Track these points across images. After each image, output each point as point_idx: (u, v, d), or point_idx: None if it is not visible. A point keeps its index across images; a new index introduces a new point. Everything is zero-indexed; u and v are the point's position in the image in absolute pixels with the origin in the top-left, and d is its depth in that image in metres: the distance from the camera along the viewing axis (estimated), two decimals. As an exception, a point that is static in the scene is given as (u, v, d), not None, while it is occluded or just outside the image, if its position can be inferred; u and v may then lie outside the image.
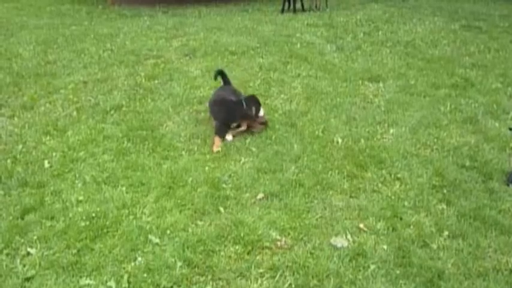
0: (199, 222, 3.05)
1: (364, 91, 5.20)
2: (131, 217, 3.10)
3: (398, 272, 2.63)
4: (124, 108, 4.74)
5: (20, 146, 4.00)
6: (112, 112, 4.66)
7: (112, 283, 2.56)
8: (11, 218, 3.09)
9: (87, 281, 2.59)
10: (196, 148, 3.95)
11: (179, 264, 2.68)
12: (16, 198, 3.30)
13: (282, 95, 5.01)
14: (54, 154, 3.87)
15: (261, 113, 4.26)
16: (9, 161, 3.77)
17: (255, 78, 5.46)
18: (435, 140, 4.11)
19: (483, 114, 4.64)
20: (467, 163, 3.74)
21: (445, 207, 3.21)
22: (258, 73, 5.66)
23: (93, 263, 2.70)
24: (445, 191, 3.38)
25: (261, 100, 4.40)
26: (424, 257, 2.73)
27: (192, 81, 5.44)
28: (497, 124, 4.44)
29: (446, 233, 2.95)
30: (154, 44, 6.95)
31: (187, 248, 2.80)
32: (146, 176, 3.54)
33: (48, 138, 4.16)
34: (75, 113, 4.66)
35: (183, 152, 3.88)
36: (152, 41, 7.16)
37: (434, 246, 2.83)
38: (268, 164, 3.69)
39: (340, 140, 4.08)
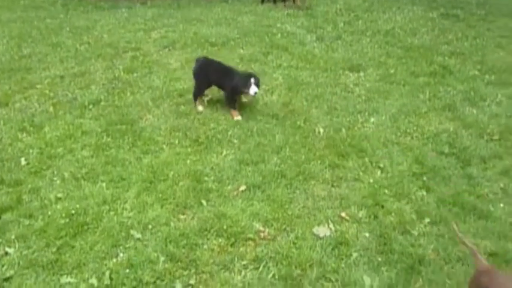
0: (181, 216, 3.02)
1: (345, 81, 5.21)
2: (112, 213, 3.05)
3: (380, 259, 2.66)
4: (102, 103, 4.64)
5: (-5, 144, 3.89)
6: (90, 107, 4.56)
7: (94, 280, 2.53)
8: (-13, 217, 3.01)
9: (68, 279, 2.55)
10: (177, 141, 3.91)
11: (162, 258, 2.66)
12: (-8, 197, 3.22)
13: (264, 86, 4.98)
14: (31, 151, 3.78)
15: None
16: (-17, 159, 3.67)
17: (236, 69, 5.41)
18: (415, 127, 4.16)
19: (461, 101, 4.71)
20: (446, 150, 3.80)
21: (425, 194, 3.26)
22: (238, 64, 5.60)
23: (74, 261, 2.66)
24: (425, 178, 3.43)
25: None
26: (405, 244, 2.77)
27: (171, 73, 5.37)
28: (475, 111, 4.51)
29: (427, 219, 3.00)
30: (133, 37, 6.82)
31: (170, 242, 2.78)
32: (126, 171, 3.49)
33: (24, 134, 4.05)
34: (51, 108, 4.55)
35: (164, 146, 3.84)
36: (130, 33, 7.02)
37: (415, 232, 2.88)
38: (250, 156, 3.68)
39: (321, 130, 4.09)
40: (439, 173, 3.48)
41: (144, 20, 7.70)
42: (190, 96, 4.73)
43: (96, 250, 2.74)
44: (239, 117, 4.26)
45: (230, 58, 5.78)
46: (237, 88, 4.25)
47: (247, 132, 4.05)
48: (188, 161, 3.61)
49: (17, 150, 3.79)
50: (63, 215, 3.02)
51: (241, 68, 5.46)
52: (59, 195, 3.23)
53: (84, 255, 2.70)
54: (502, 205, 3.13)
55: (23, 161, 3.63)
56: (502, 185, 3.35)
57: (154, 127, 4.14)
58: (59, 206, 3.11)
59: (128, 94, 4.84)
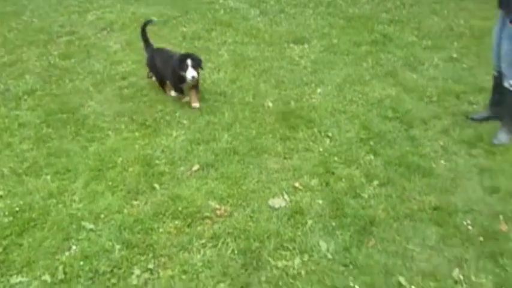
0: (134, 202, 2.95)
1: (290, 53, 5.23)
2: (60, 206, 2.92)
3: (334, 223, 2.75)
4: (39, 92, 4.37)
5: None
6: (25, 97, 4.28)
7: (46, 277, 2.43)
8: None
9: (19, 279, 2.43)
10: (123, 126, 3.77)
11: (117, 246, 2.59)
12: None
13: (209, 64, 4.90)
14: (-38, 149, 3.51)
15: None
16: None
17: (179, 48, 5.25)
18: (360, 95, 4.27)
19: (402, 67, 4.88)
20: (390, 114, 3.94)
21: (372, 157, 3.38)
22: (181, 43, 5.46)
23: (23, 259, 2.53)
24: (371, 142, 3.55)
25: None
26: (356, 207, 2.88)
27: (112, 56, 5.13)
28: (414, 75, 4.69)
29: (375, 182, 3.12)
30: (67, 20, 6.42)
31: (124, 229, 2.71)
32: (72, 162, 3.33)
33: (-47, 132, 3.75)
34: (-18, 101, 4.23)
35: (110, 132, 3.69)
36: (64, 16, 6.60)
37: (365, 195, 2.99)
38: (200, 135, 3.64)
39: (270, 104, 4.11)
40: (385, 137, 3.62)
41: (78, 2, 7.25)
42: (134, 79, 4.57)
43: (46, 246, 2.62)
44: (187, 99, 4.15)
45: (172, 37, 5.62)
46: (174, 71, 3.88)
47: (196, 111, 3.98)
48: (137, 146, 3.51)
49: None
50: (6, 213, 2.85)
51: (184, 45, 5.33)
52: (0, 193, 3.04)
53: (34, 252, 2.57)
54: (442, 162, 3.32)
55: (-46, 161, 3.37)
56: (442, 143, 3.54)
57: (98, 113, 3.97)
58: (0, 205, 2.93)
59: (67, 81, 4.58)
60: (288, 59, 5.10)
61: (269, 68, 4.85)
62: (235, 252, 2.56)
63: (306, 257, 2.52)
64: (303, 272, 2.42)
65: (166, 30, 5.82)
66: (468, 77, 4.60)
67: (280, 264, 2.47)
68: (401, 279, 2.37)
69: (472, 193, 3.01)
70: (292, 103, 4.14)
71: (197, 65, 3.89)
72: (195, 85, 4.04)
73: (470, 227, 2.72)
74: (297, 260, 2.50)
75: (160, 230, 2.73)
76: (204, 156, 3.38)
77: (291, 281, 2.37)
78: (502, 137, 3.54)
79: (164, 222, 2.78)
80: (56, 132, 3.71)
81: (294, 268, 2.45)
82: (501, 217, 2.78)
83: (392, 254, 2.54)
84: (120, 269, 2.47)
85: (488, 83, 3.91)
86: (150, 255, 2.55)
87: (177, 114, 3.95)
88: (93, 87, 4.42)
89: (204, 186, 3.08)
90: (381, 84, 4.52)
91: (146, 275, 2.44)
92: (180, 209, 2.87)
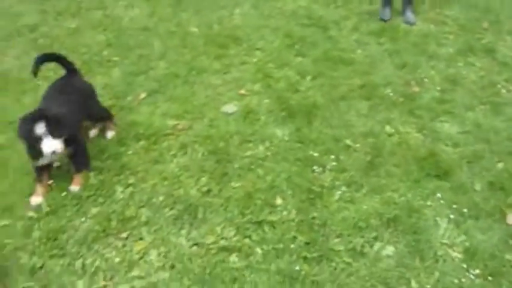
0: (90, 133, 3.01)
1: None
2: None
3: (283, 114, 3.12)
4: None
5: None
6: None
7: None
8: None
9: None
10: (52, 74, 3.66)
11: (91, 174, 2.68)
12: None
13: (121, 2, 4.79)
14: None
15: None
16: None
17: None
18: (276, 10, 4.57)
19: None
20: (306, 22, 4.33)
21: (301, 59, 3.76)
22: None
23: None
24: (297, 46, 3.92)
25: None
26: (298, 99, 3.27)
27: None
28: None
29: (308, 77, 3.52)
30: None
31: (91, 159, 2.78)
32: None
33: None
34: None
35: (40, 82, 3.57)
36: None
37: (303, 88, 3.39)
38: (136, 67, 3.70)
39: (196, 29, 4.24)
40: (307, 41, 4.01)
41: None
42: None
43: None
44: (38, 200, 2.51)
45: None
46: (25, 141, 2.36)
47: (124, 45, 3.98)
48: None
49: None
50: None
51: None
52: None
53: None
54: (359, 51, 3.83)
55: None
56: (355, 38, 4.04)
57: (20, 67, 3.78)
58: None
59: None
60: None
61: (183, -2, 4.90)
62: (206, 154, 2.82)
63: (267, 144, 2.87)
64: (269, 154, 2.79)
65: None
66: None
67: (248, 153, 2.80)
68: (348, 142, 2.86)
69: (387, 70, 3.57)
70: (216, 26, 4.31)
71: (56, 129, 2.27)
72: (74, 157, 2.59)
73: (391, 94, 3.28)
74: (261, 147, 2.85)
75: (129, 152, 2.86)
76: (148, 85, 3.48)
77: (261, 162, 2.73)
78: (410, 16, 4.25)
79: (130, 146, 2.91)
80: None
81: (260, 153, 2.80)
82: (413, 82, 3.37)
83: (336, 127, 3.00)
84: (102, 190, 2.60)
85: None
86: (127, 172, 2.70)
87: (105, 53, 3.91)
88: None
89: (157, 109, 3.23)
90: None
91: (130, 189, 2.61)
92: (141, 131, 3.00)
